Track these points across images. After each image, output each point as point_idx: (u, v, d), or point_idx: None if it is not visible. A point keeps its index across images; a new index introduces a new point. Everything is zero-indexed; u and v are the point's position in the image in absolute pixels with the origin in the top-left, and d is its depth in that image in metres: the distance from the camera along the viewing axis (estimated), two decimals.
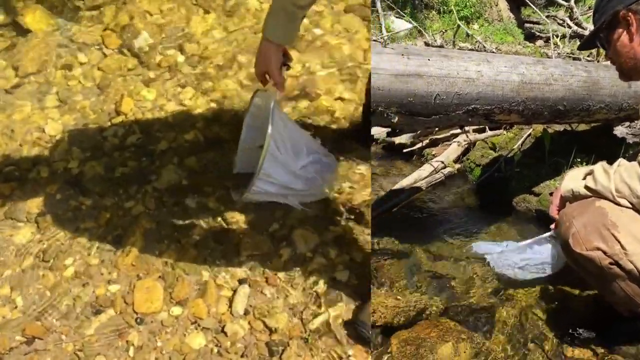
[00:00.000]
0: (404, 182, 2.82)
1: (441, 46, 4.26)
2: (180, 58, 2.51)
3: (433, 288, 2.01)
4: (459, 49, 3.99)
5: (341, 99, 2.37)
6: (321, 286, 1.87)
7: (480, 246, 2.09)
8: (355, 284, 1.88)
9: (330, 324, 1.79)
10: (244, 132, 1.88)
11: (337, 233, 2.00)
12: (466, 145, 3.14)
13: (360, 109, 2.30)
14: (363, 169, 2.17)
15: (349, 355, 1.73)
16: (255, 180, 1.60)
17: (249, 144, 1.89)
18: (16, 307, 1.81)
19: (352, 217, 2.05)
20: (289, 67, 1.67)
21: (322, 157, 1.82)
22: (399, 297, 1.87)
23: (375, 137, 3.56)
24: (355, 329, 1.75)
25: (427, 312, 1.84)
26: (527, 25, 5.80)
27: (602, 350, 1.66)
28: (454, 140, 3.22)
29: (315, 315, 1.81)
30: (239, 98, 2.38)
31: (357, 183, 2.13)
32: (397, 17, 5.66)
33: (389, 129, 3.46)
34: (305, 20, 2.60)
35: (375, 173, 3.14)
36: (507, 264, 1.93)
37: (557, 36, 4.36)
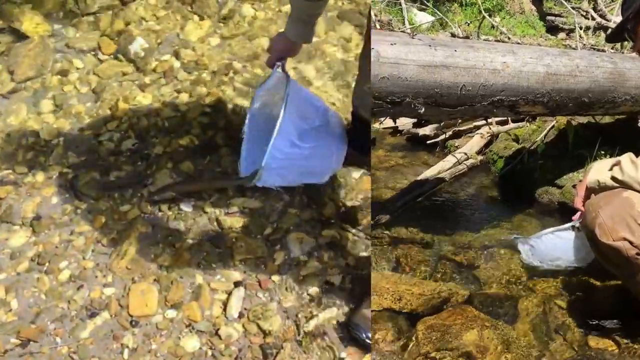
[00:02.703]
0: (428, 173, 2.84)
1: (467, 37, 4.23)
2: (176, 64, 2.53)
3: (457, 277, 2.02)
4: (483, 40, 3.96)
5: (335, 105, 2.40)
6: (315, 289, 1.89)
7: (519, 240, 2.10)
8: (349, 288, 1.90)
9: (324, 326, 1.81)
10: (254, 100, 1.90)
11: (332, 237, 2.02)
12: (489, 137, 3.14)
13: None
14: (358, 174, 2.19)
15: (343, 358, 1.75)
16: (275, 136, 1.60)
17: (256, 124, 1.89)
18: (11, 310, 1.81)
19: (347, 221, 2.07)
20: None
21: (332, 118, 1.86)
22: (424, 285, 1.89)
23: (399, 128, 3.59)
24: (348, 332, 1.77)
25: (452, 300, 1.85)
26: (549, 17, 5.74)
27: (626, 342, 1.66)
28: (477, 132, 3.23)
29: (309, 318, 1.82)
30: (234, 104, 2.40)
31: (352, 188, 2.15)
32: (419, 10, 5.65)
33: (415, 120, 3.48)
34: None
35: (400, 164, 3.16)
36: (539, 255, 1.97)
37: (581, 28, 4.32)
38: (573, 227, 1.88)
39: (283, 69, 1.82)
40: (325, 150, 1.85)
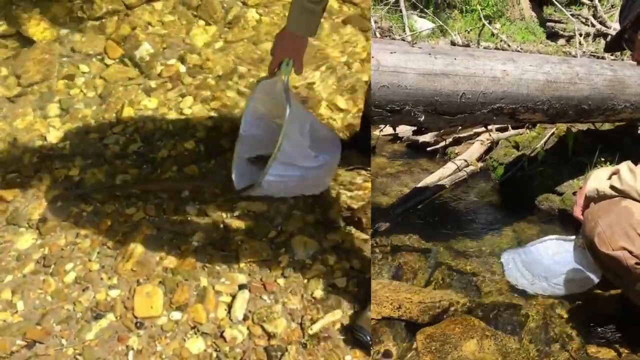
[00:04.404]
0: (428, 180, 2.84)
1: (467, 45, 4.24)
2: (182, 68, 2.54)
3: (457, 285, 2.01)
4: (483, 48, 3.96)
5: (340, 109, 2.41)
6: (320, 292, 1.89)
7: (506, 255, 2.09)
8: (354, 290, 1.90)
9: (329, 329, 1.81)
10: (248, 113, 1.89)
11: (336, 240, 2.03)
12: (489, 144, 3.15)
13: (359, 119, 2.34)
14: (362, 177, 2.20)
15: None
16: (272, 162, 1.61)
17: (253, 128, 1.91)
18: (17, 312, 1.82)
19: (351, 224, 2.07)
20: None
21: (327, 136, 1.85)
22: (423, 294, 1.89)
23: (399, 135, 3.60)
24: (353, 334, 1.77)
25: (452, 309, 1.84)
26: (549, 24, 5.76)
27: (627, 351, 1.66)
28: (477, 139, 3.23)
29: (314, 321, 1.83)
30: (239, 108, 2.41)
31: (356, 191, 2.16)
32: (420, 17, 5.65)
33: (414, 128, 3.48)
34: None
35: (400, 171, 3.17)
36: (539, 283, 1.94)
37: (580, 35, 4.32)
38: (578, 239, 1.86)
39: (287, 77, 1.74)
40: (324, 169, 1.87)
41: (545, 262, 1.96)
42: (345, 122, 2.39)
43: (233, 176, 1.89)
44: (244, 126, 1.93)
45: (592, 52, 3.87)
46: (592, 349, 1.68)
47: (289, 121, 1.64)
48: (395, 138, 3.67)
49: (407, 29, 4.44)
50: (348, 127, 2.37)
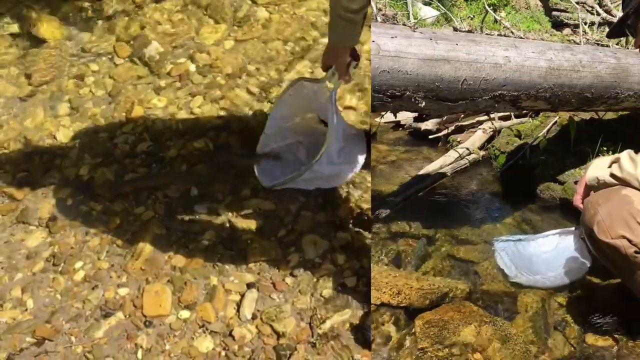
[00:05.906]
0: (430, 168, 2.82)
1: (469, 31, 4.20)
2: (191, 67, 2.54)
3: (457, 272, 2.02)
4: (487, 34, 3.92)
5: (350, 107, 2.40)
6: (329, 291, 1.88)
7: (500, 243, 2.07)
8: (363, 290, 1.88)
9: (338, 328, 1.80)
10: (276, 108, 1.93)
11: (346, 239, 2.01)
12: (491, 133, 3.12)
13: (367, 117, 2.33)
14: (370, 176, 2.19)
15: None
16: (314, 164, 1.66)
17: (280, 122, 1.95)
18: (27, 310, 1.83)
19: (361, 223, 2.06)
20: (356, 65, 1.77)
21: (354, 138, 1.87)
22: (423, 280, 1.88)
23: (402, 122, 3.58)
24: (362, 334, 1.76)
25: (451, 295, 1.84)
26: (554, 13, 5.73)
27: (624, 339, 1.66)
28: (480, 127, 3.21)
29: (323, 320, 1.82)
30: (249, 107, 2.41)
31: (365, 190, 2.14)
32: (424, 5, 5.62)
33: (416, 115, 3.46)
34: (314, 31, 2.64)
35: (401, 158, 3.15)
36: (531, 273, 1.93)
37: (585, 23, 4.28)
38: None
39: (336, 88, 1.76)
40: (349, 166, 1.90)
41: (542, 257, 1.94)
42: (354, 120, 2.37)
43: (256, 172, 1.91)
44: (268, 123, 1.95)
45: (596, 41, 3.82)
46: (590, 337, 1.69)
47: (331, 134, 1.66)
48: (397, 125, 3.64)
49: (411, 17, 4.39)
50: (356, 126, 2.35)
